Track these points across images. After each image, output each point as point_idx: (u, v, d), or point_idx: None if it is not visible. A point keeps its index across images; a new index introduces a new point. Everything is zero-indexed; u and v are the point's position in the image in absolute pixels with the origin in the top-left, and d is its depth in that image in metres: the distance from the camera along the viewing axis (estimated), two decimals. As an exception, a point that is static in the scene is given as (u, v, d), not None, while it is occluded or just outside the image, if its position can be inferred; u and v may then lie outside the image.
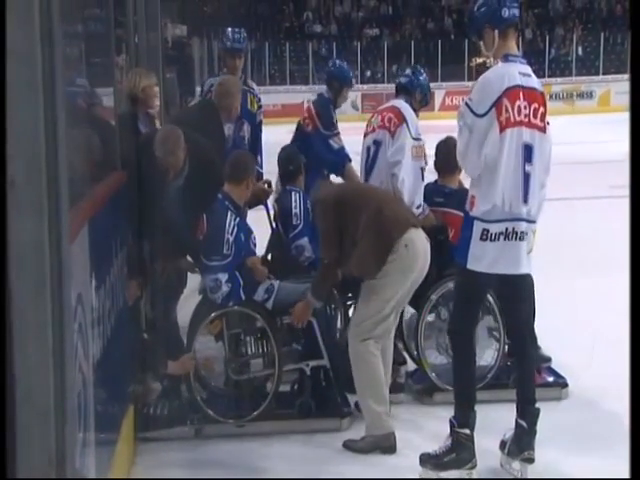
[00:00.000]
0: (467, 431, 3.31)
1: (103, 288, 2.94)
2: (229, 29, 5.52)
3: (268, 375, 3.94)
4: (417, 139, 4.28)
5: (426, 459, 3.35)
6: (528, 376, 3.44)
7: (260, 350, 3.96)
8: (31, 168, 1.85)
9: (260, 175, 5.05)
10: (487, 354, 4.11)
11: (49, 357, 1.88)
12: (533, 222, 3.31)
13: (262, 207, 4.74)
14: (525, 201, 3.25)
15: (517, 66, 3.31)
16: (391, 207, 3.69)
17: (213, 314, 3.83)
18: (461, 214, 3.58)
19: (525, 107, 3.22)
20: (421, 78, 4.50)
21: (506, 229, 3.22)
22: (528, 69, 3.36)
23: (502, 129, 3.19)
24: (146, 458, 3.60)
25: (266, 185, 4.72)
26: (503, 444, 3.39)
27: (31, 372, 1.86)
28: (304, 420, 3.85)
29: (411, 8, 30.78)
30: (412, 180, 4.20)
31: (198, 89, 9.69)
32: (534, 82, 3.33)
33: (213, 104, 4.66)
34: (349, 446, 3.63)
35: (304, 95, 26.42)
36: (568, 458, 3.51)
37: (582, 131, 20.19)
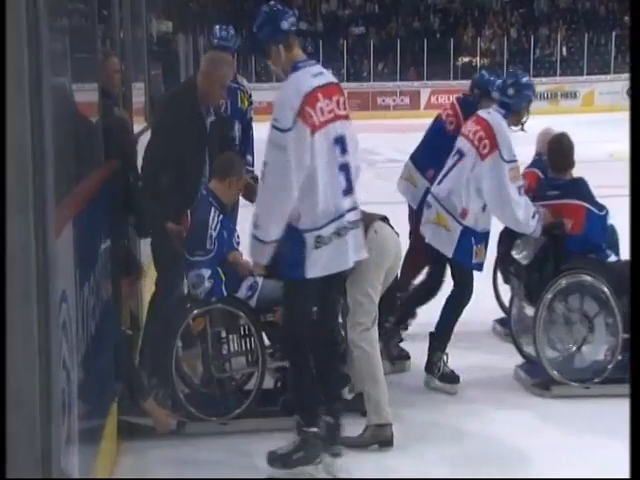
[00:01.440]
0: (314, 429, 3.38)
1: (87, 285, 2.93)
2: (217, 27, 5.44)
3: (251, 373, 3.94)
4: (512, 161, 4.29)
5: (274, 457, 3.41)
6: (333, 370, 3.59)
7: (243, 348, 3.96)
8: (17, 167, 1.83)
9: (252, 174, 5.00)
10: (604, 349, 4.25)
11: (35, 356, 1.87)
12: (358, 209, 3.40)
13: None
14: (350, 192, 3.33)
15: (307, 70, 3.34)
16: None
17: (196, 311, 3.82)
18: (579, 202, 4.01)
19: (327, 104, 3.27)
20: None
21: (337, 227, 3.28)
22: (319, 68, 3.43)
23: (311, 134, 3.20)
24: (130, 457, 3.59)
25: (252, 180, 4.70)
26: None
27: (17, 371, 1.85)
28: (287, 418, 3.85)
29: (397, 7, 30.83)
30: (519, 200, 4.24)
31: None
32: (328, 77, 3.40)
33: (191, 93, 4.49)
34: (345, 443, 3.63)
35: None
36: (568, 456, 3.55)
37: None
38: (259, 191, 3.31)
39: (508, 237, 4.59)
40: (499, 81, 4.68)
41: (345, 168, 3.32)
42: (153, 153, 4.07)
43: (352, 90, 27.24)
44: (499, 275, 5.13)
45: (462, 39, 29.39)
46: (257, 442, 3.69)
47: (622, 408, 2.54)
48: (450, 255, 4.38)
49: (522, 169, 4.60)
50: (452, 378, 4.37)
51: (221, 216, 3.87)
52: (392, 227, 3.87)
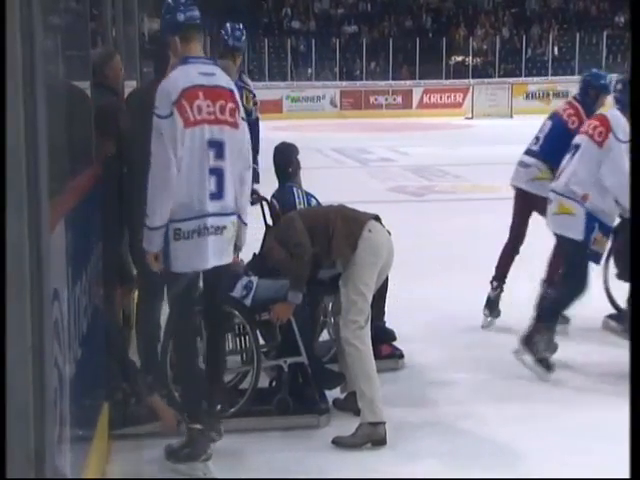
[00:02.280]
0: (198, 426, 3.40)
1: (79, 284, 2.92)
2: (229, 25, 5.41)
3: (246, 372, 3.94)
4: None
5: (169, 451, 3.45)
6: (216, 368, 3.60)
7: (238, 347, 3.96)
8: (10, 165, 1.83)
9: (257, 175, 4.98)
10: None
11: (28, 354, 1.87)
12: (233, 214, 3.40)
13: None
14: (219, 197, 3.31)
15: (197, 67, 3.36)
16: (349, 208, 3.98)
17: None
18: None
19: (209, 105, 3.29)
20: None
21: (198, 226, 3.27)
22: (213, 68, 3.43)
23: (184, 127, 3.24)
24: (121, 455, 3.58)
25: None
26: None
27: (10, 370, 1.84)
28: (282, 417, 3.85)
29: (390, 6, 30.85)
30: None
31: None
32: (220, 80, 3.39)
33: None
34: (339, 442, 3.65)
35: (282, 91, 26.41)
36: (568, 456, 3.54)
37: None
38: (149, 179, 3.32)
39: (625, 230, 4.61)
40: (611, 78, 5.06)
41: (218, 173, 3.31)
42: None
43: (345, 89, 27.30)
44: (610, 270, 5.20)
45: (454, 38, 29.43)
46: (251, 442, 3.70)
47: (622, 408, 2.54)
48: (581, 237, 4.47)
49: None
50: (547, 365, 4.45)
51: None
52: (384, 226, 3.89)
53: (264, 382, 4.01)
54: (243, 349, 3.95)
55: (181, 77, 3.31)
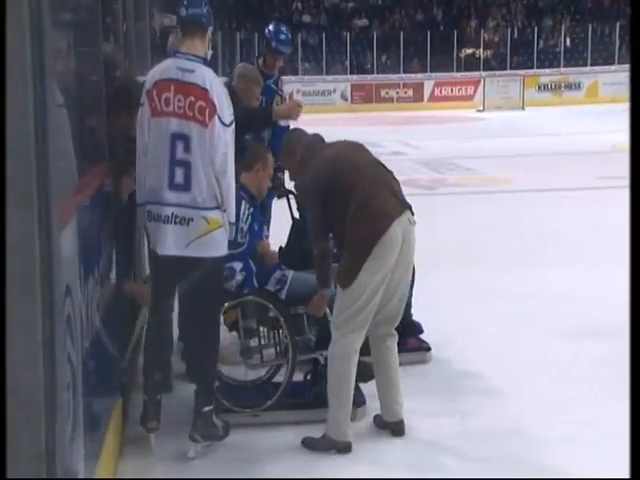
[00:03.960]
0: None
1: (91, 279, 2.93)
2: (273, 26, 5.28)
3: (279, 365, 3.97)
4: None
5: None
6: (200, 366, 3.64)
7: (273, 340, 3.97)
8: (20, 162, 1.83)
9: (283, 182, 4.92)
10: None
11: (39, 351, 1.87)
12: (208, 210, 3.41)
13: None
14: (185, 189, 3.38)
15: (179, 62, 3.46)
16: (378, 198, 3.55)
17: (227, 304, 3.83)
18: None
19: (179, 100, 3.39)
20: None
21: (159, 212, 3.41)
22: (194, 65, 3.44)
23: (151, 117, 3.42)
24: (134, 453, 3.57)
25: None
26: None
27: (20, 366, 1.84)
28: (318, 409, 3.81)
29: (400, -2, 30.75)
30: None
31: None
32: (196, 78, 3.42)
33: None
34: (306, 443, 3.59)
35: (293, 85, 26.36)
36: (569, 457, 3.52)
37: (570, 122, 20.27)
38: None
39: None
40: None
41: (185, 166, 3.38)
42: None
43: (355, 82, 27.24)
44: None
45: (465, 31, 29.29)
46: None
47: (622, 408, 2.53)
48: None
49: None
50: None
51: (251, 209, 3.93)
52: (413, 214, 3.68)
53: (298, 376, 3.95)
54: (278, 342, 3.93)
55: (159, 69, 3.49)
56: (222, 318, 3.83)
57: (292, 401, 3.89)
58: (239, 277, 3.82)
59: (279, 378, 3.99)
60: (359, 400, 3.87)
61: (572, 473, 3.33)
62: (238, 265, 3.81)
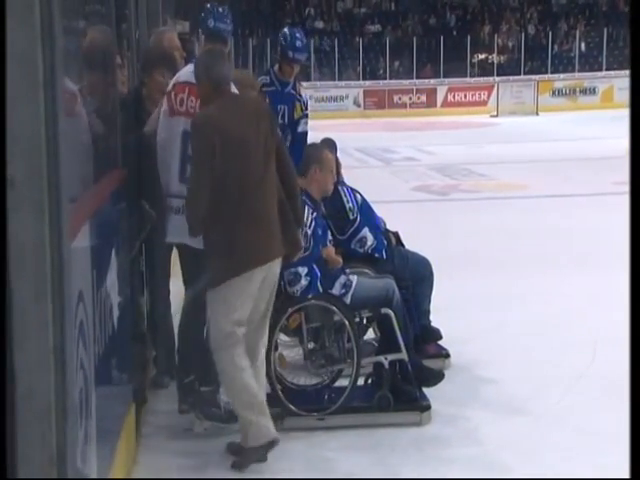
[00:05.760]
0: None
1: (104, 285, 2.94)
2: (287, 32, 5.10)
3: (340, 370, 3.98)
4: None
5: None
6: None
7: (336, 344, 3.96)
8: (31, 167, 1.84)
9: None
10: None
11: (50, 356, 1.87)
12: None
13: None
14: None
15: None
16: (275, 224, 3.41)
17: (290, 309, 3.84)
18: None
19: (192, 101, 3.64)
20: None
21: (168, 203, 3.66)
22: None
23: (167, 116, 3.70)
24: (148, 455, 3.58)
25: None
26: None
27: (31, 371, 1.85)
28: (383, 414, 3.84)
29: (413, 4, 30.74)
30: None
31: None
32: None
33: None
34: (235, 463, 3.42)
35: (306, 91, 26.40)
36: (569, 457, 3.50)
37: (584, 127, 20.19)
38: None
39: None
40: None
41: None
42: None
43: (368, 88, 27.24)
44: None
45: (479, 36, 29.24)
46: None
47: (622, 408, 2.51)
48: None
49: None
50: None
51: (315, 213, 3.94)
52: None
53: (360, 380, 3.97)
54: (341, 346, 3.93)
55: (180, 73, 3.78)
56: (285, 322, 3.87)
57: (356, 404, 3.91)
58: (304, 282, 3.82)
59: (339, 383, 4.01)
60: (424, 405, 3.89)
61: (572, 473, 3.31)
62: (303, 270, 3.82)
